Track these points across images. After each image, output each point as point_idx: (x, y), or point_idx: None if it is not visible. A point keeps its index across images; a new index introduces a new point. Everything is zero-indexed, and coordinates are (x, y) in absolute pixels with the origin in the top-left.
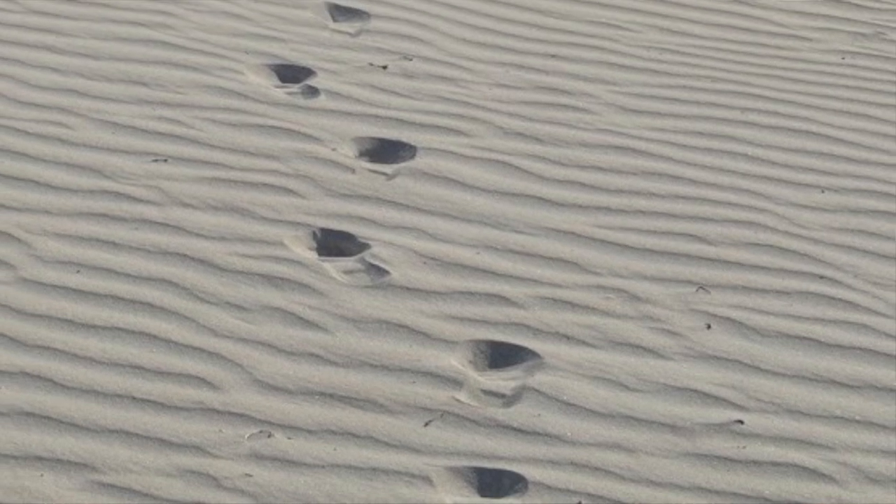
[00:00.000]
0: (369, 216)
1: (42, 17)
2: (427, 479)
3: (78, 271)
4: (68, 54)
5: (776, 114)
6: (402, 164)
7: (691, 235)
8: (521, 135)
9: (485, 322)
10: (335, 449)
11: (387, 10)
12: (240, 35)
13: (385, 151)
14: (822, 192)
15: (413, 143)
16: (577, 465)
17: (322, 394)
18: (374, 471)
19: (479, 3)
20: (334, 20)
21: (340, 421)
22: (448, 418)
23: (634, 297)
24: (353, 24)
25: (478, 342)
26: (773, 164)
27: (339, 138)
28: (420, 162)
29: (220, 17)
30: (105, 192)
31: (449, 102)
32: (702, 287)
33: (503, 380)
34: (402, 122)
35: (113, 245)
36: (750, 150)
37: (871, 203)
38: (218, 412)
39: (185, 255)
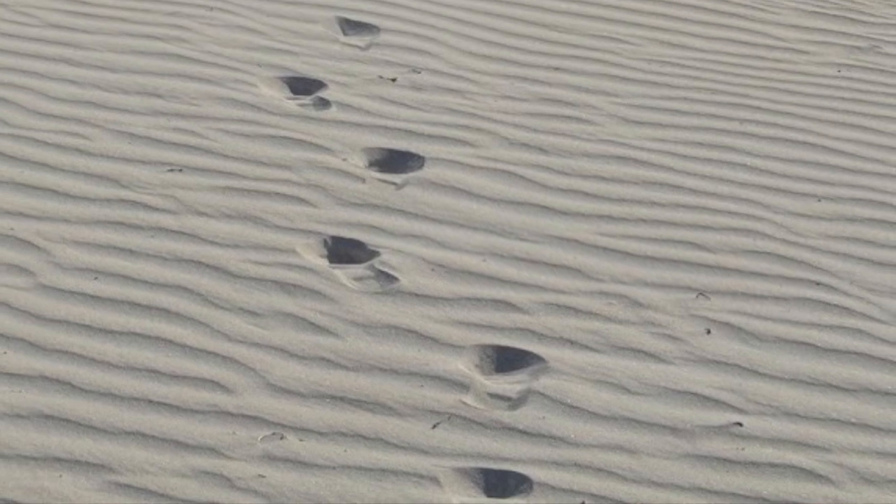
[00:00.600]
0: (379, 224)
1: (60, 30)
2: (435, 480)
3: (95, 278)
4: (86, 67)
5: (774, 125)
6: (411, 174)
7: (691, 243)
8: (525, 145)
9: (491, 327)
10: (346, 450)
11: (396, 25)
12: (253, 48)
13: (394, 162)
14: (819, 200)
15: (421, 154)
16: (580, 466)
17: (333, 397)
18: (384, 472)
19: (485, 17)
20: (345, 34)
21: (351, 423)
22: (455, 421)
23: (636, 303)
24: (363, 37)
25: (484, 347)
26: (772, 173)
27: (349, 149)
28: (428, 172)
29: (233, 31)
30: (122, 201)
31: (456, 114)
32: (702, 293)
33: (509, 383)
34: (410, 132)
35: (129, 252)
36: (749, 161)
37: (867, 212)
38: (232, 415)
39: (199, 263)
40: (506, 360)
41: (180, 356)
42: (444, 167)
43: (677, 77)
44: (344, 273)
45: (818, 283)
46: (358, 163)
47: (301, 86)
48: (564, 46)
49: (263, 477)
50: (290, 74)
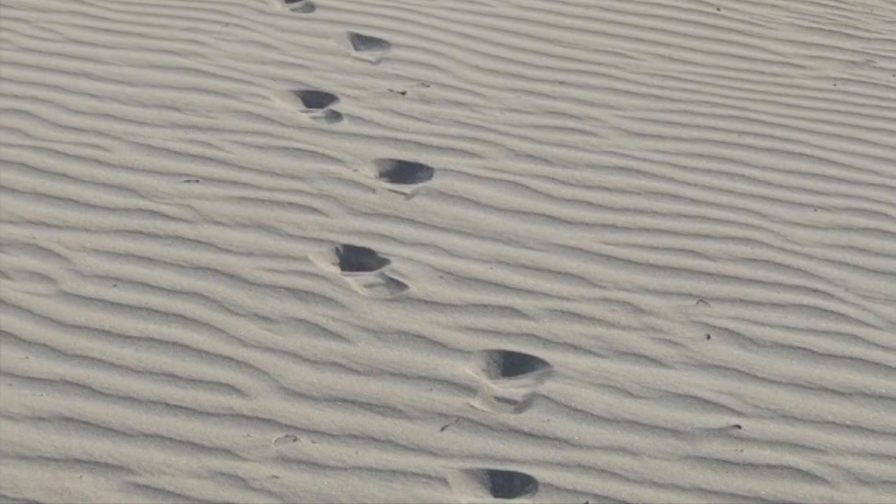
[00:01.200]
0: (389, 233)
1: (81, 45)
2: (443, 481)
3: (115, 285)
4: (105, 81)
5: (772, 137)
6: (420, 185)
7: (692, 251)
8: (531, 157)
9: (497, 333)
10: (357, 452)
11: (406, 40)
12: (267, 63)
13: (404, 172)
14: (815, 210)
15: (430, 165)
16: (584, 468)
17: (344, 400)
18: (394, 473)
19: (492, 32)
20: (356, 49)
21: (362, 426)
22: (463, 423)
23: (638, 310)
24: (374, 52)
25: (491, 352)
26: (769, 184)
27: (360, 160)
28: (437, 182)
29: (248, 46)
30: (140, 211)
31: (464, 126)
32: (701, 300)
33: (515, 387)
34: (419, 144)
35: (148, 260)
36: (747, 171)
37: (861, 221)
38: (246, 418)
39: (215, 270)
40: (512, 364)
41: (197, 361)
42: (453, 178)
43: (678, 91)
44: (355, 280)
45: (814, 290)
46: (369, 174)
47: (314, 99)
48: (569, 61)
49: (277, 478)
50: (303, 88)
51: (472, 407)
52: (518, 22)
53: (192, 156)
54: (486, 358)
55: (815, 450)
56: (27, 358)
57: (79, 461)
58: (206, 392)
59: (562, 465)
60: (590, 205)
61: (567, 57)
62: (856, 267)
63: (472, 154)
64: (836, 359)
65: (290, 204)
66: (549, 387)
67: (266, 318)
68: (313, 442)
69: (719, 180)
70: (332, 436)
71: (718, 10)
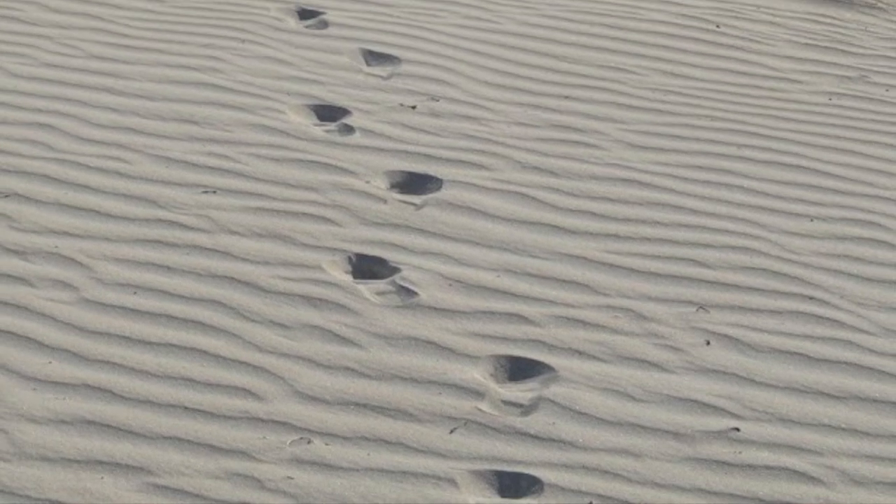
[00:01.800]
0: (400, 243)
1: (102, 61)
2: (452, 482)
3: (135, 293)
4: (126, 96)
5: (769, 150)
6: (430, 196)
7: (692, 260)
8: (537, 168)
9: (505, 339)
10: (369, 454)
11: (416, 56)
12: (282, 78)
13: (414, 184)
14: (812, 220)
15: (439, 177)
16: (588, 469)
17: (357, 404)
18: (404, 474)
19: (499, 49)
20: (368, 64)
21: (373, 429)
22: (471, 426)
23: (640, 316)
24: (386, 67)
25: (498, 357)
26: (767, 195)
27: (372, 172)
28: (446, 193)
29: (264, 62)
30: (159, 221)
31: (472, 139)
32: (701, 307)
33: (521, 391)
34: (429, 157)
35: (167, 269)
36: (745, 183)
37: (856, 231)
38: (262, 421)
39: (232, 278)
40: (518, 369)
41: (214, 366)
42: (461, 189)
43: (679, 105)
44: (367, 288)
45: (811, 298)
46: (380, 185)
47: (327, 113)
48: (574, 76)
49: (292, 479)
50: (316, 102)
51: (480, 410)
52: (524, 39)
53: (209, 168)
54: (494, 363)
55: (811, 452)
56: (50, 363)
57: (100, 462)
58: (223, 396)
59: (567, 467)
60: (594, 215)
61: (572, 72)
62: (850, 275)
63: (480, 166)
64: (832, 364)
65: (305, 214)
66: (555, 391)
67: (281, 325)
68: (327, 444)
69: (719, 191)
70: (345, 438)
71: (718, 27)
